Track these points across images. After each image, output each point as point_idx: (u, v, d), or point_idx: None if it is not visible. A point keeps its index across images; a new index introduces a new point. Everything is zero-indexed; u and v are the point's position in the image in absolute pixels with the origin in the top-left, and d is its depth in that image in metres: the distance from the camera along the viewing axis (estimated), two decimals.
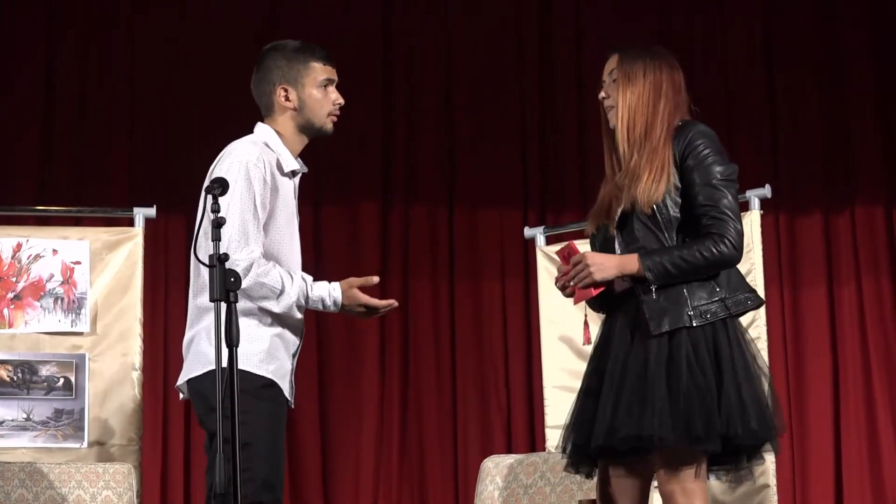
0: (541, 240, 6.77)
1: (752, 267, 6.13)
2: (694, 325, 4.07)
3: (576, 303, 4.33)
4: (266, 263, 4.34)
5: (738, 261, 4.16)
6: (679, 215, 4.15)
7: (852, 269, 7.97)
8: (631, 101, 4.24)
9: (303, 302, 4.39)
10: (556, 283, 4.33)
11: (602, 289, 4.22)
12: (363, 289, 4.52)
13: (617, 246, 4.23)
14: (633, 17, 8.15)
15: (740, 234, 4.12)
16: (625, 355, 4.15)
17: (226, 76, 7.44)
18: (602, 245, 4.29)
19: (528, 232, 6.91)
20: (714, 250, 4.08)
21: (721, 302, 4.12)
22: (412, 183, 8.06)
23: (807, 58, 8.20)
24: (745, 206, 6.26)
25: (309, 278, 4.45)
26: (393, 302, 4.55)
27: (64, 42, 7.84)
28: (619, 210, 4.22)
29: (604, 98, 4.34)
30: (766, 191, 6.25)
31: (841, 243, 8.01)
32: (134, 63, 7.88)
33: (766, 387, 4.14)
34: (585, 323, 4.45)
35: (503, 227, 8.01)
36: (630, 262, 4.12)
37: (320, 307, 4.43)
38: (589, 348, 4.40)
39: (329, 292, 4.44)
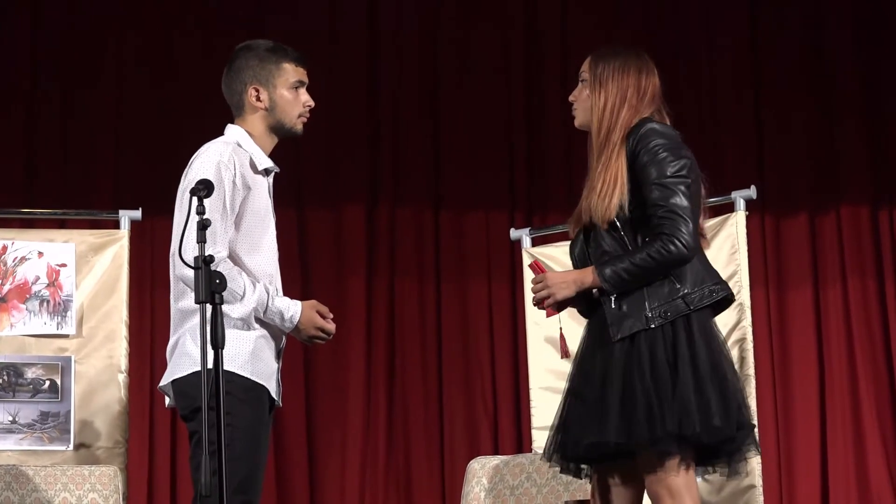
0: (527, 241, 6.78)
1: (738, 268, 6.14)
2: (652, 326, 4.09)
3: (548, 316, 4.41)
4: (232, 267, 4.33)
5: (691, 258, 4.14)
6: (639, 216, 4.17)
7: (838, 270, 7.98)
8: (597, 107, 4.27)
9: (261, 312, 4.37)
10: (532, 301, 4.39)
11: (565, 308, 4.32)
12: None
13: (587, 251, 4.28)
14: (618, 19, 8.17)
15: (691, 232, 4.11)
16: (591, 363, 4.20)
17: (212, 78, 7.43)
18: (580, 252, 4.33)
19: (514, 233, 6.91)
20: (663, 251, 4.09)
21: (682, 299, 4.13)
22: (398, 185, 8.06)
23: (792, 58, 8.21)
24: (730, 208, 6.28)
25: (272, 290, 4.43)
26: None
27: (50, 43, 7.83)
28: (582, 220, 4.28)
29: (573, 98, 4.39)
30: (752, 192, 6.26)
31: (826, 244, 8.03)
32: (120, 65, 7.87)
33: (736, 383, 4.15)
34: (561, 336, 4.49)
35: (489, 228, 8.02)
36: (586, 276, 4.18)
37: (277, 321, 4.41)
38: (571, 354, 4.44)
39: (289, 307, 4.43)
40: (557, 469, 4.35)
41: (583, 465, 4.31)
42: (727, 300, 4.25)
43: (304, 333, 4.48)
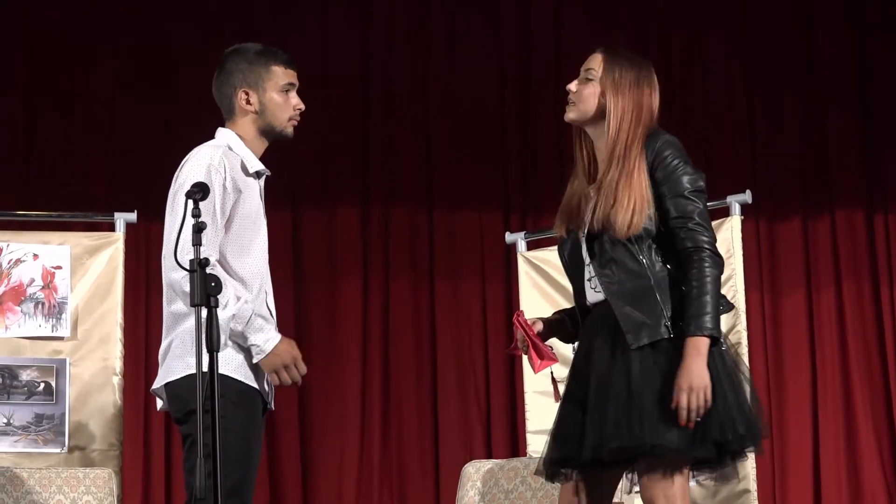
0: (522, 245, 6.78)
1: (733, 272, 6.15)
2: (672, 335, 4.07)
3: (537, 371, 4.34)
4: (221, 273, 4.29)
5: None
6: (650, 228, 4.13)
7: (832, 273, 7.99)
8: (617, 112, 4.22)
9: (239, 327, 4.28)
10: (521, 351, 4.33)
11: (556, 360, 4.27)
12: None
13: (586, 256, 4.22)
14: (611, 25, 8.17)
15: (715, 241, 4.15)
16: (607, 369, 4.13)
17: (207, 81, 7.43)
18: (571, 253, 4.28)
19: (509, 237, 6.92)
20: (712, 270, 4.08)
21: None
22: (391, 186, 8.06)
23: (785, 62, 8.23)
24: (725, 212, 6.28)
25: (253, 309, 4.35)
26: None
27: (45, 45, 7.83)
28: (588, 223, 4.20)
29: (572, 91, 4.32)
30: (747, 196, 6.26)
31: (820, 248, 8.03)
32: (115, 67, 7.87)
33: (748, 391, 4.15)
34: (553, 381, 4.43)
35: (483, 229, 8.02)
36: (699, 347, 4.03)
37: (254, 338, 4.29)
38: (569, 361, 4.40)
39: (273, 329, 4.36)
40: (547, 479, 4.31)
41: (563, 470, 4.28)
42: (727, 311, 4.26)
43: (279, 360, 4.35)
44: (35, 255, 6.34)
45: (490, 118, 8.16)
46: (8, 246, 6.35)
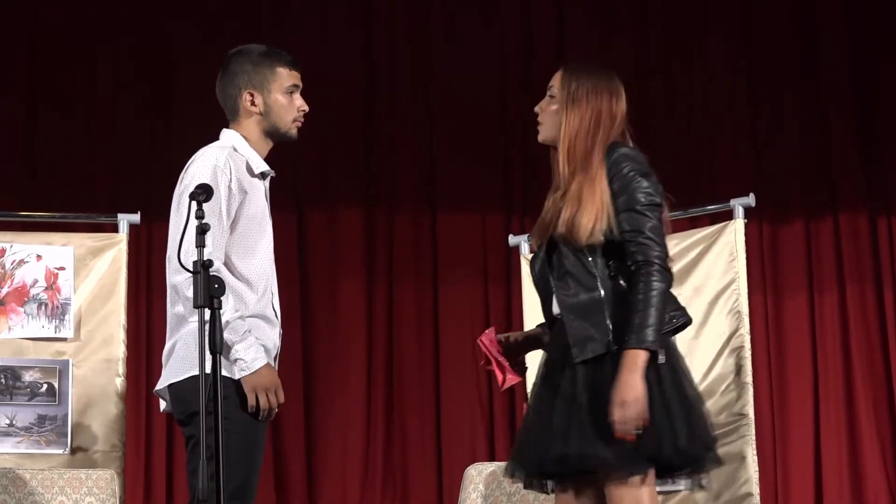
0: (525, 248, 6.79)
1: (737, 275, 6.15)
2: (615, 349, 4.05)
3: (502, 389, 4.38)
4: (225, 277, 4.26)
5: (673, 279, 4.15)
6: (604, 239, 4.11)
7: (834, 276, 7.99)
8: (573, 124, 4.21)
9: (233, 337, 4.23)
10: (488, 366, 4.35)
11: (519, 379, 4.33)
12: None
13: (549, 268, 4.22)
14: (612, 26, 8.18)
15: (667, 255, 4.11)
16: (557, 381, 4.14)
17: (210, 81, 7.43)
18: (541, 268, 4.27)
19: (512, 240, 6.92)
20: (660, 284, 4.04)
21: None
22: (394, 188, 8.07)
23: (787, 66, 8.23)
24: (728, 215, 6.28)
25: (249, 327, 4.33)
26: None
27: (48, 46, 7.83)
28: (551, 232, 4.20)
29: (537, 111, 4.35)
30: (751, 199, 6.26)
31: (823, 250, 8.03)
32: (117, 68, 7.88)
33: (700, 405, 4.14)
34: (525, 394, 4.45)
35: (485, 232, 8.03)
36: (636, 361, 4.00)
37: (244, 354, 4.25)
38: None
39: (260, 347, 4.30)
40: (521, 484, 4.33)
41: (547, 481, 4.29)
42: (685, 325, 4.23)
43: (262, 382, 4.29)
44: (38, 256, 6.34)
45: (491, 119, 8.17)
46: (11, 247, 6.34)
